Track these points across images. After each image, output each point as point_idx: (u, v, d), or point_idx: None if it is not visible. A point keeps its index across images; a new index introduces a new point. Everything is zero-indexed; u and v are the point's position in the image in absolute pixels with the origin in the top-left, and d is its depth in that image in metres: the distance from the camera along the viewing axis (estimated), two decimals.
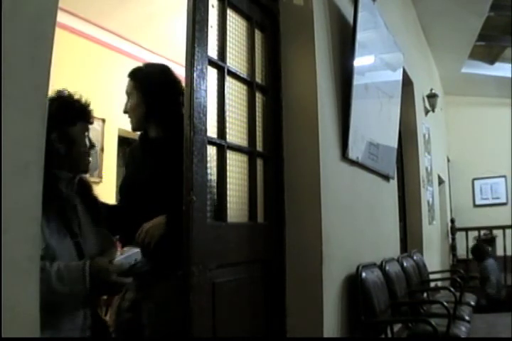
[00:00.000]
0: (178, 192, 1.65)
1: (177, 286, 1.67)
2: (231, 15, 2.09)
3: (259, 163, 2.22)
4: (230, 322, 1.85)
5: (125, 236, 1.84)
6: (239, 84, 2.12)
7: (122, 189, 1.99)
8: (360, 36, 2.70)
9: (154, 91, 1.90)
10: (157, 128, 1.94)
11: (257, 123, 2.22)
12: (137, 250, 1.43)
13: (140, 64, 2.11)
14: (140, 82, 1.93)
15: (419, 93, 5.33)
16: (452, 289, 3.47)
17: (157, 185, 1.79)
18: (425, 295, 3.97)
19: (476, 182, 8.08)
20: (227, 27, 2.04)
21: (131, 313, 1.78)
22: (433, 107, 5.82)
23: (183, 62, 1.75)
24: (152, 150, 1.93)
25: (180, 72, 1.94)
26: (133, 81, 1.95)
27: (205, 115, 1.77)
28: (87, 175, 4.68)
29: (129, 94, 1.96)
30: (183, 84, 1.94)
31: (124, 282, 1.39)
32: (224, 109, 1.95)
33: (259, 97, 2.26)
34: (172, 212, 1.72)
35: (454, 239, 7.20)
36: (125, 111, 1.97)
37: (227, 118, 1.97)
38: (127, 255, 1.41)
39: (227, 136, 1.95)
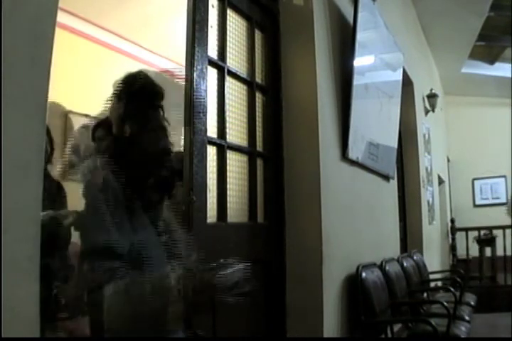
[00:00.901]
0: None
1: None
2: (231, 15, 2.09)
3: (259, 163, 2.22)
4: (230, 322, 1.85)
5: None
6: (239, 84, 2.12)
7: None
8: (360, 36, 2.70)
9: (122, 93, 1.96)
10: (127, 129, 2.00)
11: (257, 123, 2.22)
12: (241, 266, 1.24)
13: (139, 64, 2.15)
14: (118, 86, 2.01)
15: (419, 93, 5.33)
16: (452, 289, 3.47)
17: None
18: (425, 295, 3.97)
19: (476, 182, 8.08)
20: (227, 27, 2.04)
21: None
22: (433, 107, 5.82)
23: (183, 62, 1.75)
24: (122, 150, 1.99)
25: (180, 72, 1.94)
26: (115, 86, 2.04)
27: (205, 115, 1.77)
28: None
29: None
30: (158, 90, 2.00)
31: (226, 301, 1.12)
32: (224, 109, 1.95)
33: (259, 97, 2.26)
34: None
35: (454, 239, 7.19)
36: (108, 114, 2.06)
37: (227, 118, 1.97)
38: (234, 270, 1.20)
39: (227, 136, 1.95)
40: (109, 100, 2.05)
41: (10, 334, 0.80)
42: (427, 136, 5.55)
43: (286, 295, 2.22)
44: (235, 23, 2.14)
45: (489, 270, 6.35)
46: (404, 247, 4.46)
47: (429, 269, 4.39)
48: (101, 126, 2.54)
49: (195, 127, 1.70)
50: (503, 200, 7.90)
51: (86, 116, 4.61)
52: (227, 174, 1.94)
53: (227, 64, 2.00)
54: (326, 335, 2.18)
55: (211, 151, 1.84)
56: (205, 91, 1.79)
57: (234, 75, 2.06)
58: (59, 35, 1.04)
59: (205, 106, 1.78)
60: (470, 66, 7.04)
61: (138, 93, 1.97)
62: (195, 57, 1.74)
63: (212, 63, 1.88)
